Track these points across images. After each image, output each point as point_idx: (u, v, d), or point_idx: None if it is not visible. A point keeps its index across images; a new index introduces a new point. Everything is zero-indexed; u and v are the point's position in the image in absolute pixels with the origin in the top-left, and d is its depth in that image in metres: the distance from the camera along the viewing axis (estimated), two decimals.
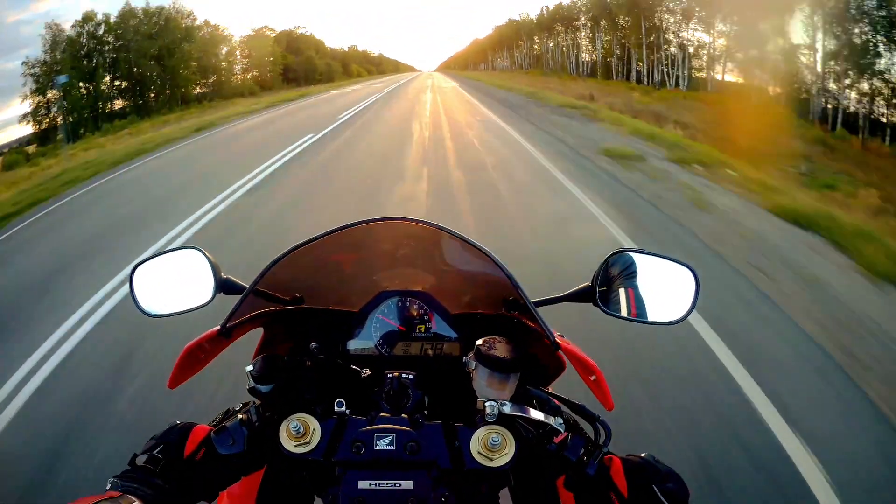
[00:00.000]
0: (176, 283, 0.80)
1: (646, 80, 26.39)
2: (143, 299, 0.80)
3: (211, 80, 29.56)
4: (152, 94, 25.75)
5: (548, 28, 40.46)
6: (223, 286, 0.80)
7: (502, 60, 58.81)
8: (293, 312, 0.87)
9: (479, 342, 0.70)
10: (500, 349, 0.69)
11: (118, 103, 24.95)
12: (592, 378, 0.69)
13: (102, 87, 23.98)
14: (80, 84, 23.17)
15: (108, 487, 0.57)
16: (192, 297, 0.79)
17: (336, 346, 0.87)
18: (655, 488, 0.59)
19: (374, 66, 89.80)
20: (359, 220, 0.77)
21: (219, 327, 0.73)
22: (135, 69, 24.16)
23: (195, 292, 0.79)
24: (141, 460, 0.61)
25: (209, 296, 0.79)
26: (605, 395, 0.68)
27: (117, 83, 24.72)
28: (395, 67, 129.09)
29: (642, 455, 0.63)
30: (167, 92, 26.18)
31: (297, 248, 0.75)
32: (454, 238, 0.77)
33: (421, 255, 0.90)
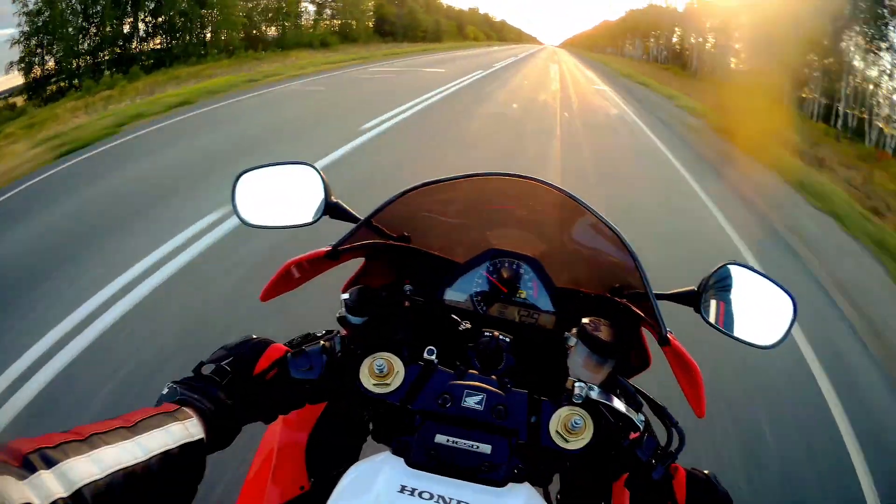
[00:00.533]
0: (283, 196, 0.82)
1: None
2: (244, 208, 0.82)
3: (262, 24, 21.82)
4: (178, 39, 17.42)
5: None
6: (331, 209, 0.82)
7: (633, 48, 55.54)
8: (397, 249, 0.88)
9: (586, 321, 0.70)
10: (605, 332, 0.69)
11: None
12: (690, 380, 0.68)
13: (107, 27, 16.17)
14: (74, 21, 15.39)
15: (164, 392, 0.56)
16: (296, 214, 0.81)
17: (431, 293, 0.87)
18: None
19: (496, 32, 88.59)
20: (488, 171, 0.77)
21: (328, 248, 0.75)
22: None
23: (300, 209, 0.80)
24: (208, 370, 0.60)
25: (315, 215, 0.81)
26: (699, 400, 0.67)
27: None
28: (518, 37, 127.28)
29: (706, 472, 0.63)
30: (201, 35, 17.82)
31: (419, 188, 0.76)
32: (583, 209, 0.76)
33: (539, 219, 0.90)
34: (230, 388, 0.60)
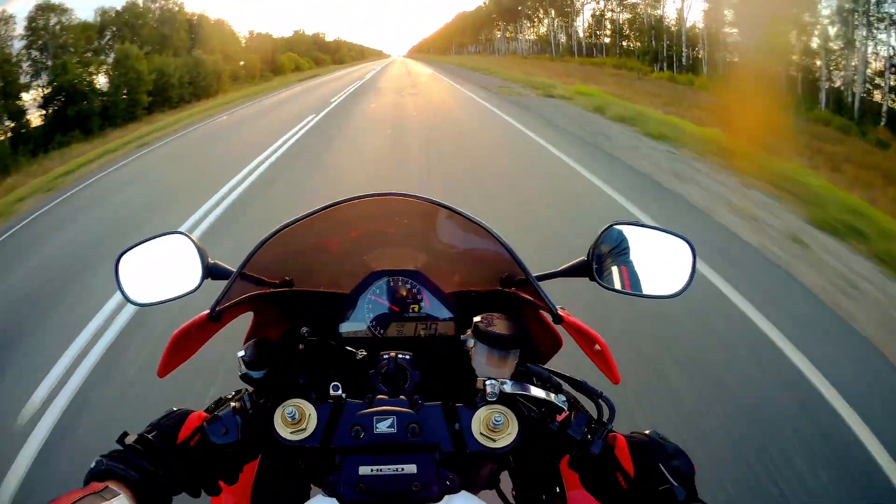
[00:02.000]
0: (162, 269, 0.90)
1: None
2: (130, 288, 0.91)
3: None
4: None
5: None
6: (210, 272, 0.91)
7: (472, 45, 73.50)
8: (283, 296, 0.98)
9: (477, 319, 0.81)
10: (499, 325, 0.80)
11: None
12: (596, 350, 0.80)
13: None
14: None
15: (91, 466, 0.64)
16: (179, 284, 0.89)
17: (328, 330, 0.98)
18: (662, 466, 0.67)
19: (329, 55, 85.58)
20: (344, 197, 0.87)
21: (207, 312, 0.83)
22: None
23: (182, 278, 0.90)
24: (131, 440, 0.68)
25: (196, 282, 0.90)
26: (610, 368, 0.79)
27: None
28: (360, 54, 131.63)
29: (647, 432, 0.72)
30: None
31: (282, 230, 0.85)
32: (447, 212, 0.89)
33: (412, 233, 1.03)
34: (155, 458, 0.67)
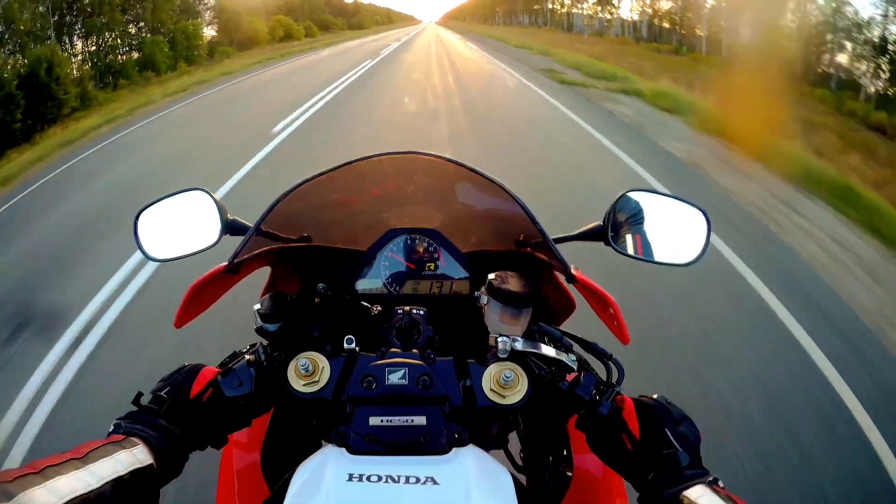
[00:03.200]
0: (182, 225, 1.06)
1: None
2: (149, 244, 1.07)
3: None
4: None
5: None
6: (229, 227, 1.06)
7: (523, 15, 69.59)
8: (301, 251, 1.14)
9: (492, 276, 0.93)
10: (513, 283, 0.91)
11: None
12: (607, 311, 0.92)
13: None
14: None
15: (110, 430, 0.75)
16: (198, 240, 1.05)
17: (344, 286, 1.13)
18: (667, 431, 0.76)
19: (342, 19, 79.97)
20: (364, 155, 1.01)
21: (225, 263, 0.97)
22: None
23: (201, 234, 1.05)
24: (146, 400, 0.80)
25: (215, 237, 1.05)
26: (621, 329, 0.90)
27: None
28: (386, 18, 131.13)
29: (654, 396, 0.82)
30: None
31: (302, 185, 0.99)
32: (467, 171, 1.01)
33: (431, 191, 1.17)
34: (170, 416, 0.79)
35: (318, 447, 0.97)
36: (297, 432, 1.01)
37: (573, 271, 0.94)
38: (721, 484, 0.71)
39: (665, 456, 0.75)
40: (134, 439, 0.73)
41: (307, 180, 0.99)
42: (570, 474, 1.02)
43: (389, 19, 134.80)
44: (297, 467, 0.80)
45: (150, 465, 0.71)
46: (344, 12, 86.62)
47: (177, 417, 0.80)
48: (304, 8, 64.51)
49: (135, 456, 0.70)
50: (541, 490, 1.02)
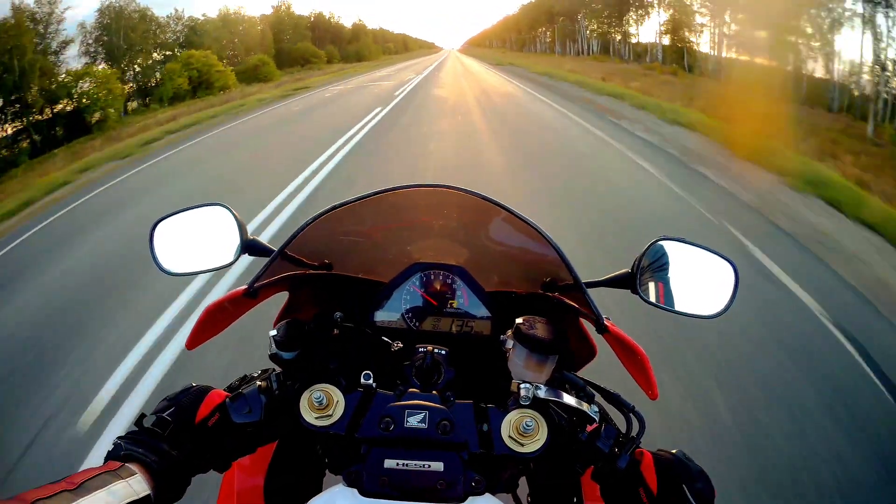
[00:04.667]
0: (200, 240, 1.23)
1: None
2: (163, 256, 1.22)
3: None
4: None
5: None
6: (248, 247, 1.21)
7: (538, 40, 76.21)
8: (321, 278, 1.30)
9: (520, 321, 1.06)
10: (541, 329, 1.03)
11: None
12: (636, 363, 1.04)
13: None
14: None
15: (110, 449, 0.86)
16: (214, 257, 1.21)
17: (362, 316, 1.28)
18: (685, 487, 0.88)
19: (337, 46, 77.01)
20: (397, 185, 1.14)
21: (245, 287, 1.11)
22: None
23: (218, 251, 1.21)
24: (149, 421, 0.91)
25: (232, 256, 1.20)
26: (650, 382, 1.02)
27: None
28: (403, 46, 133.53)
29: (673, 451, 0.95)
30: None
31: (330, 211, 1.13)
32: (499, 209, 1.14)
33: (459, 227, 1.33)
34: (174, 439, 0.90)
35: (321, 477, 1.12)
36: (302, 461, 1.14)
37: (605, 322, 1.08)
38: None
39: None
40: (131, 466, 0.83)
41: (336, 206, 1.13)
42: None
43: (405, 47, 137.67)
44: (300, 500, 0.91)
45: (147, 495, 0.81)
46: (338, 38, 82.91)
47: (180, 441, 0.91)
48: (288, 33, 64.43)
49: (130, 487, 0.79)
50: None
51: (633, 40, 51.99)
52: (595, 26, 58.17)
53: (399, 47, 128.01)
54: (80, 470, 0.79)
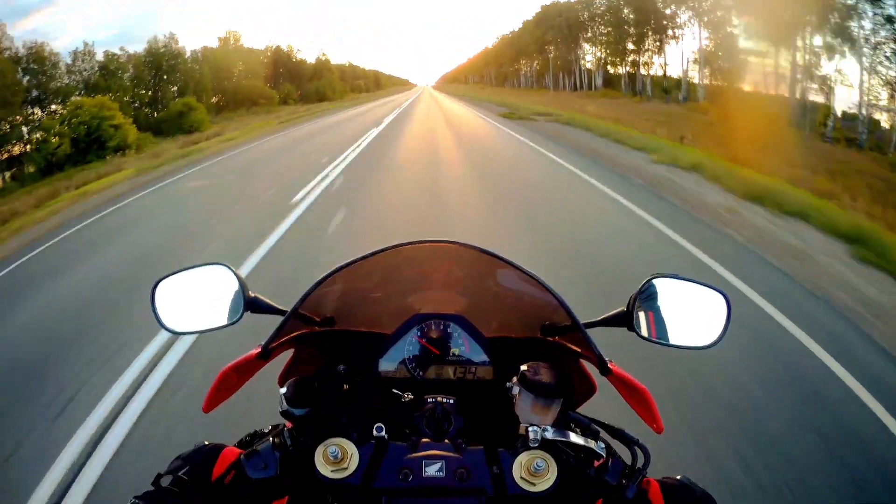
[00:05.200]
0: (202, 299, 1.40)
1: None
2: (165, 315, 1.39)
3: None
4: None
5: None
6: (250, 305, 1.39)
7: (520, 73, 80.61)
8: (325, 334, 1.48)
9: (524, 368, 1.23)
10: (545, 375, 1.20)
11: None
12: (640, 401, 1.22)
13: None
14: None
15: None
16: (216, 315, 1.38)
17: (366, 368, 1.46)
18: None
19: (294, 84, 76.46)
20: (400, 242, 1.34)
21: (259, 349, 1.29)
22: None
23: (220, 310, 1.38)
24: (166, 481, 1.04)
25: (235, 314, 1.38)
26: (654, 417, 1.21)
27: None
28: (375, 83, 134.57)
29: (678, 478, 1.14)
30: None
31: (339, 270, 1.32)
32: (496, 260, 1.35)
33: (458, 277, 1.53)
34: (191, 498, 1.04)
35: None
36: None
37: (608, 364, 1.27)
38: None
39: None
40: None
41: (346, 265, 1.32)
42: None
43: (377, 84, 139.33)
44: None
45: None
46: (298, 75, 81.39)
47: (197, 499, 1.05)
48: (231, 71, 61.49)
49: None
50: None
51: (653, 71, 50.70)
52: (602, 54, 57.58)
53: (370, 84, 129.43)
54: None
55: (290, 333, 1.40)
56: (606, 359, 1.27)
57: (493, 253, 1.34)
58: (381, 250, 1.34)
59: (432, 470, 1.06)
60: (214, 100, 56.37)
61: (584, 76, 61.18)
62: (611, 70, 57.67)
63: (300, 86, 79.34)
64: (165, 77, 52.62)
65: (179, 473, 1.08)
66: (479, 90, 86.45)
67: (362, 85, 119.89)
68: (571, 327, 1.32)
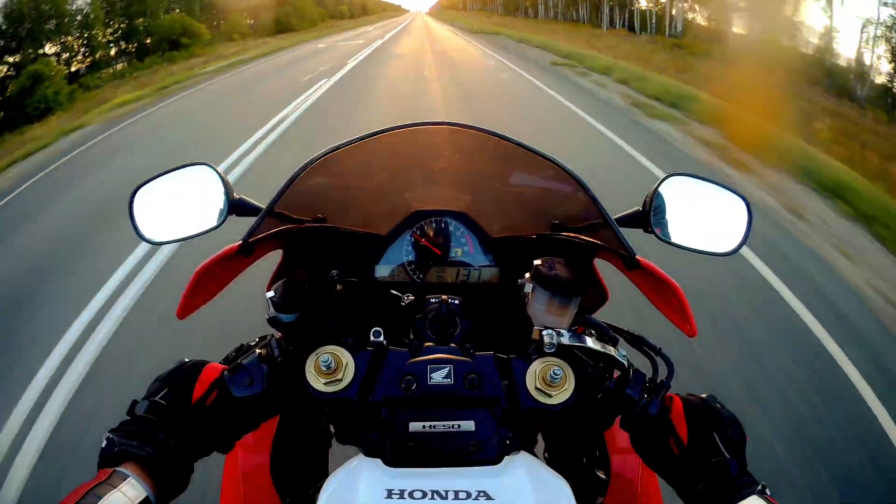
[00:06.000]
0: (183, 204, 1.52)
1: None
2: (145, 225, 1.50)
3: None
4: None
5: None
6: (235, 207, 1.48)
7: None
8: (316, 234, 1.56)
9: (538, 262, 1.26)
10: (562, 270, 1.24)
11: None
12: (669, 300, 1.28)
13: None
14: None
15: (103, 444, 1.02)
16: (201, 220, 1.49)
17: (361, 272, 1.54)
18: (716, 436, 1.10)
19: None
20: (394, 125, 1.40)
21: (238, 243, 1.32)
22: None
23: (204, 214, 1.49)
24: (142, 408, 1.08)
25: (220, 217, 1.47)
26: (687, 318, 1.25)
27: None
28: (362, 9, 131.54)
29: (703, 396, 1.18)
30: None
31: (323, 156, 1.39)
32: (507, 144, 1.41)
33: (462, 169, 1.64)
34: (171, 424, 1.09)
35: (328, 449, 1.35)
36: (307, 434, 1.39)
37: (636, 257, 1.32)
38: (769, 492, 1.02)
39: (714, 464, 1.08)
40: (123, 470, 1.00)
41: (329, 151, 1.40)
42: (604, 477, 1.40)
43: (363, 10, 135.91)
44: (309, 475, 1.14)
45: (145, 498, 0.98)
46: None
47: (178, 426, 1.09)
48: None
49: (124, 494, 0.96)
50: (578, 494, 1.33)
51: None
52: None
53: (356, 10, 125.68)
54: (73, 490, 0.93)
55: (277, 229, 1.45)
56: (634, 250, 1.33)
57: (503, 135, 1.41)
58: (371, 134, 1.42)
59: (439, 376, 1.08)
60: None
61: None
62: None
63: (257, 14, 68.85)
64: None
65: (157, 398, 1.12)
66: (479, 19, 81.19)
67: (345, 10, 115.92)
68: (589, 226, 1.40)
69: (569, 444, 1.45)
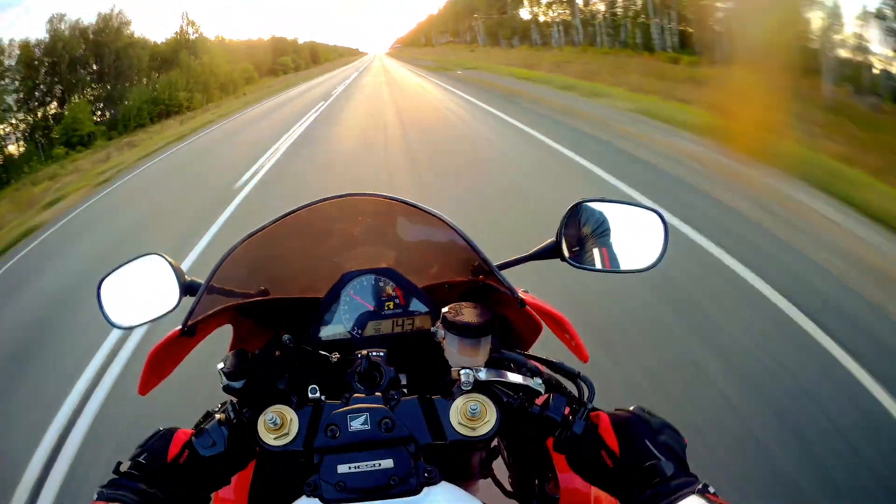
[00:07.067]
0: (142, 291, 1.69)
1: None
2: (113, 312, 1.69)
3: None
4: None
5: None
6: (187, 289, 1.65)
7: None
8: (262, 306, 1.74)
9: (445, 310, 1.40)
10: (468, 314, 1.38)
11: None
12: (564, 331, 1.45)
13: None
14: None
15: (94, 498, 1.16)
16: (159, 304, 1.67)
17: (306, 335, 1.71)
18: (647, 442, 1.18)
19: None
20: (306, 202, 1.55)
21: (180, 327, 1.47)
22: None
23: (161, 299, 1.67)
24: (125, 467, 1.23)
25: (175, 301, 1.66)
26: (578, 347, 1.43)
27: None
28: (311, 56, 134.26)
29: (631, 409, 1.26)
30: None
31: (246, 239, 1.53)
32: (411, 208, 1.58)
33: (379, 231, 1.84)
34: (150, 480, 1.23)
35: (300, 493, 1.46)
36: (279, 483, 1.54)
37: (521, 295, 1.48)
38: (712, 490, 1.06)
39: (647, 467, 1.15)
40: None
41: (250, 235, 1.56)
42: (557, 496, 1.55)
43: (313, 58, 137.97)
44: None
45: None
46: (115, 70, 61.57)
47: (156, 481, 1.24)
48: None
49: None
50: None
51: None
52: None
53: (301, 61, 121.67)
54: None
55: (216, 308, 1.61)
56: (521, 290, 1.49)
57: (401, 199, 1.59)
58: (288, 213, 1.59)
59: (357, 424, 1.24)
60: None
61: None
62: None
63: (115, 91, 60.11)
64: None
65: (138, 459, 1.27)
66: (442, 53, 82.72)
67: (288, 62, 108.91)
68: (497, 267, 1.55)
69: (522, 468, 1.62)
